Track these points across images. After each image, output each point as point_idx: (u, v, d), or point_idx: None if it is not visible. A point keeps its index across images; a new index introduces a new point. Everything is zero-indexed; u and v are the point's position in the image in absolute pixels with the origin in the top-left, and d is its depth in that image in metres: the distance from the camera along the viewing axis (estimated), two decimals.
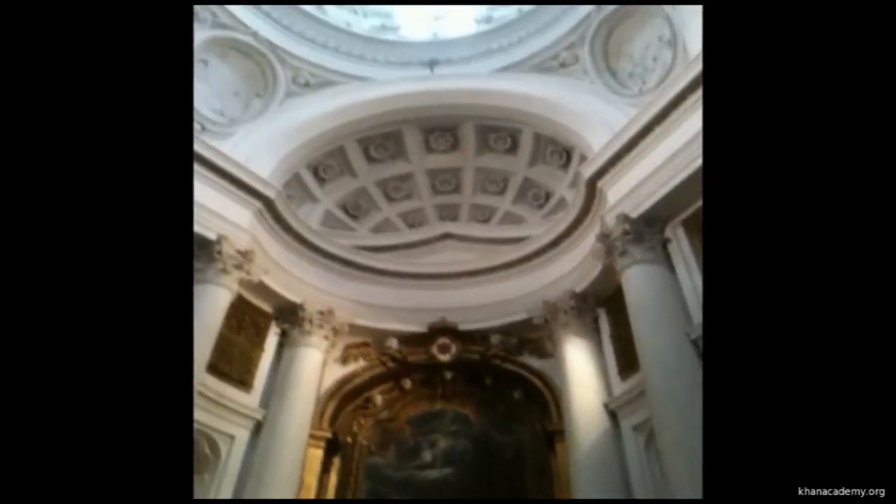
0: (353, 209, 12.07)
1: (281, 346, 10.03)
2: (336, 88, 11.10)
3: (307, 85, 11.08)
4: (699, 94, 7.84)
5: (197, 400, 8.05)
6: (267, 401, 9.33)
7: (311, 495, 8.78)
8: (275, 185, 9.99)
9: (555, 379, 9.39)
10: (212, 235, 8.82)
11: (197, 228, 8.68)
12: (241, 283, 9.17)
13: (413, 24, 12.20)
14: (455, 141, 11.56)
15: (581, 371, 8.86)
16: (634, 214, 8.21)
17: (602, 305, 9.39)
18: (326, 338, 10.29)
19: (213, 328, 8.56)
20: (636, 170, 8.66)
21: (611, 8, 9.98)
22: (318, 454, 9.19)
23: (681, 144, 7.91)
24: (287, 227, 10.38)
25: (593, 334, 9.35)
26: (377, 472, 9.38)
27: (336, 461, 9.36)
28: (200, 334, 8.24)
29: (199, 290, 8.57)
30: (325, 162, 11.35)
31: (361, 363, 10.41)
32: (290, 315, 10.13)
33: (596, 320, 9.45)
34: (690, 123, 7.85)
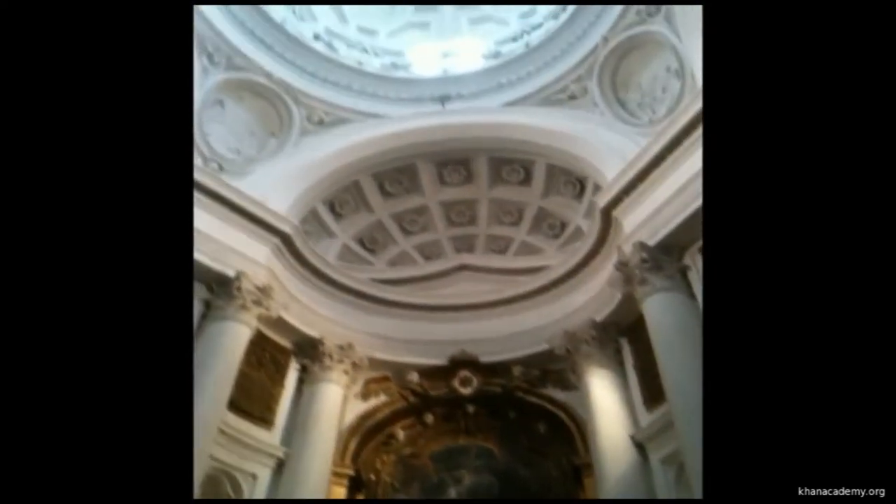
0: (370, 243, 12.16)
1: (301, 383, 10.01)
2: (350, 126, 11.32)
3: (321, 123, 11.30)
4: None
5: (218, 438, 8.15)
6: (289, 438, 9.30)
7: None
8: (292, 220, 10.12)
9: (579, 411, 9.31)
10: (231, 272, 8.93)
11: (216, 266, 8.86)
12: (261, 318, 9.24)
13: (423, 61, 12.48)
14: (468, 174, 11.71)
15: (606, 403, 8.78)
16: (651, 242, 8.24)
17: (624, 335, 9.35)
18: (346, 373, 10.28)
19: (233, 365, 8.59)
20: (651, 198, 8.72)
21: (618, 40, 10.20)
22: (341, 492, 9.11)
23: (694, 172, 7.97)
24: (305, 262, 10.46)
25: (616, 365, 9.28)
26: None
27: (360, 499, 9.25)
28: (221, 372, 8.32)
29: (218, 328, 8.68)
30: (340, 197, 11.49)
31: (382, 398, 10.37)
32: (309, 350, 10.14)
33: (619, 350, 9.40)
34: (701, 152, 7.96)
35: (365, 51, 12.44)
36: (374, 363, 10.57)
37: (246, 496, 8.45)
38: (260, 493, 8.56)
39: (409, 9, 13.06)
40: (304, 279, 10.49)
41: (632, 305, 8.63)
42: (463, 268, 12.57)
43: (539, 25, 11.74)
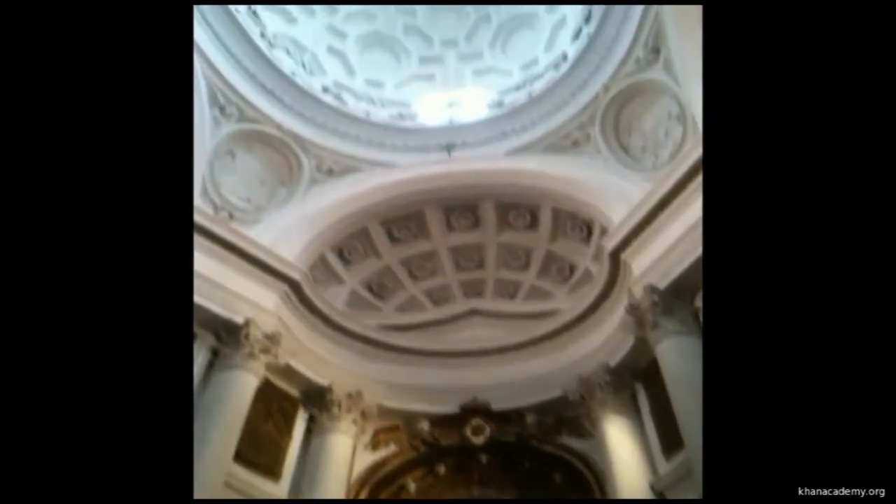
0: (379, 289, 12.15)
1: (309, 433, 9.83)
2: (358, 174, 11.52)
3: (330, 172, 11.50)
4: None
5: (225, 491, 7.97)
6: (297, 490, 9.10)
7: None
8: (301, 267, 10.17)
9: (596, 459, 9.06)
10: (239, 319, 8.93)
11: (224, 313, 8.87)
12: (269, 367, 9.19)
13: (429, 111, 12.82)
14: (476, 219, 11.83)
15: (623, 451, 8.56)
16: (662, 285, 8.22)
17: (639, 380, 9.20)
18: (355, 422, 10.10)
19: (240, 415, 8.48)
20: (659, 241, 8.76)
21: (618, 88, 10.47)
22: None
23: (700, 214, 8.03)
24: (313, 309, 10.43)
25: (633, 411, 9.09)
26: None
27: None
28: (228, 422, 8.23)
29: (226, 377, 8.62)
30: (349, 244, 11.56)
31: (392, 448, 10.12)
32: (318, 399, 9.98)
33: (634, 396, 9.23)
34: None
35: (372, 102, 12.79)
36: (384, 412, 10.37)
37: None
38: None
39: (414, 61, 13.52)
40: (313, 326, 10.43)
41: (645, 349, 8.54)
42: (473, 313, 12.50)
43: (541, 75, 12.10)
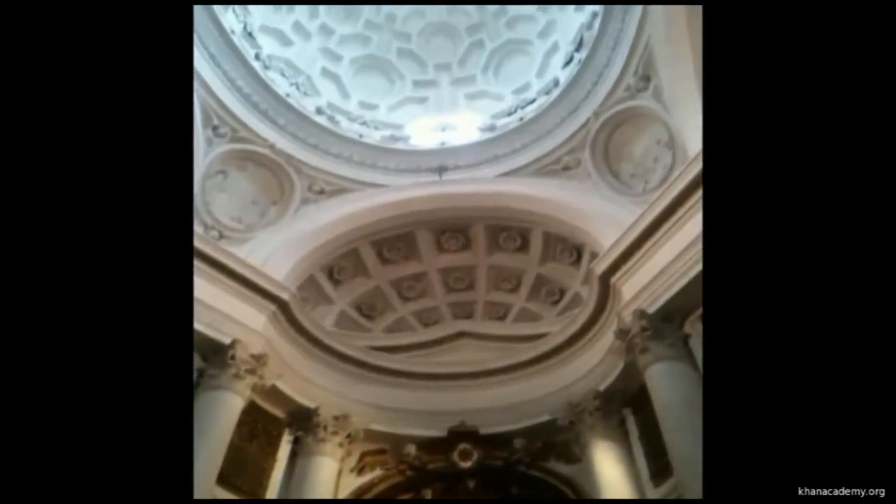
0: (368, 309, 12.11)
1: (294, 455, 9.67)
2: (350, 195, 11.55)
3: (322, 192, 11.53)
4: (702, 191, 8.17)
5: None
6: None
7: None
8: (289, 287, 10.10)
9: (585, 486, 8.95)
10: (226, 340, 8.82)
11: (211, 333, 8.75)
12: (254, 388, 9.04)
13: (421, 133, 12.93)
14: (466, 241, 11.86)
15: (612, 477, 8.46)
16: (651, 310, 8.21)
17: (628, 405, 9.15)
18: (341, 445, 9.96)
19: (224, 437, 8.31)
20: (648, 266, 8.78)
21: (608, 114, 10.62)
22: None
23: (690, 240, 8.08)
24: (301, 330, 10.34)
25: (621, 436, 9.02)
26: None
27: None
28: (212, 444, 8.04)
29: (211, 397, 8.46)
30: (339, 264, 11.54)
31: (378, 472, 9.97)
32: (304, 421, 9.85)
33: (623, 421, 9.17)
34: (698, 218, 8.11)
35: (365, 124, 12.90)
36: (371, 435, 10.23)
37: None
38: None
39: (408, 84, 13.70)
40: (301, 347, 10.34)
41: (635, 374, 8.50)
42: (462, 335, 12.46)
43: (532, 101, 12.27)
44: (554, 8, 12.62)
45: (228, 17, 11.11)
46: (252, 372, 8.89)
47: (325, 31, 13.17)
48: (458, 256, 12.02)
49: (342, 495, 9.61)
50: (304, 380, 10.11)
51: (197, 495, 7.46)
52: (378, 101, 13.40)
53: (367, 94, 13.39)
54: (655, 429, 7.67)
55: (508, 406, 10.29)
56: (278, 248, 10.58)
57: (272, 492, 9.05)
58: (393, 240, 11.63)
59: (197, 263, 9.03)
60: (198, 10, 10.02)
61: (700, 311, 7.97)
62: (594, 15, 11.00)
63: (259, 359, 9.02)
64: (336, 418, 10.00)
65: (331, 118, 12.40)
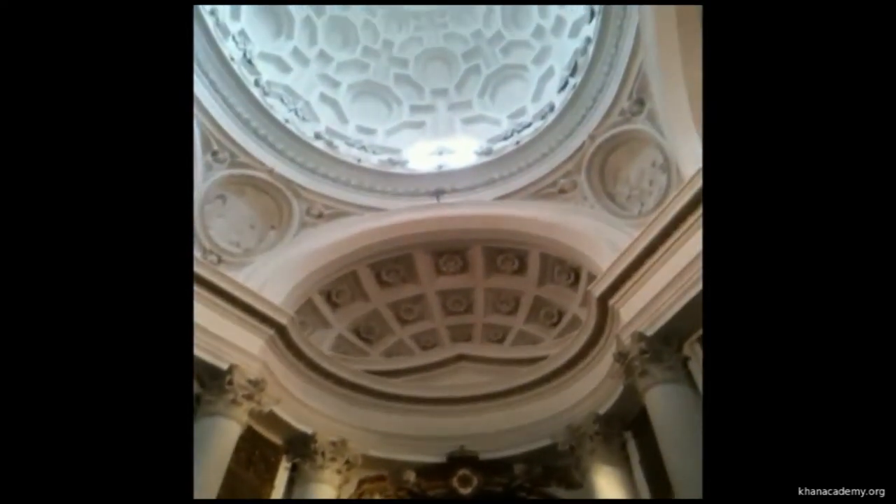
0: (366, 333, 12.07)
1: (292, 483, 9.56)
2: (348, 219, 11.60)
3: (320, 216, 11.58)
4: (698, 213, 8.24)
5: None
6: None
7: None
8: (287, 311, 10.07)
9: None
10: (223, 365, 8.75)
11: (208, 358, 8.69)
12: (252, 414, 8.97)
13: (419, 157, 13.06)
14: (464, 264, 11.89)
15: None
16: (650, 332, 8.20)
17: (628, 428, 9.07)
18: (339, 472, 9.86)
19: (221, 464, 8.22)
20: (646, 288, 8.79)
21: (603, 138, 10.74)
22: None
23: (687, 262, 8.11)
24: (299, 354, 10.29)
25: (622, 461, 8.93)
26: None
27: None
28: (208, 471, 7.96)
29: (207, 424, 8.37)
30: (337, 287, 11.54)
31: (377, 499, 9.81)
32: (301, 447, 9.76)
33: (624, 445, 9.08)
34: (695, 241, 8.16)
35: (364, 148, 13.02)
36: (369, 461, 10.13)
37: None
38: None
39: (405, 109, 13.87)
40: (299, 372, 10.28)
41: (635, 397, 8.45)
42: (461, 358, 12.41)
43: (528, 125, 12.42)
44: (549, 34, 12.85)
45: (228, 44, 11.29)
46: (249, 398, 8.81)
47: (324, 57, 13.37)
48: (455, 279, 12.04)
49: None
50: (302, 405, 10.03)
51: None
52: (376, 125, 13.56)
53: (364, 119, 13.55)
54: (656, 452, 7.60)
55: (508, 430, 10.21)
56: (276, 273, 10.57)
57: None
58: (391, 263, 11.65)
59: (195, 288, 9.01)
60: (198, 36, 10.17)
61: (699, 333, 7.98)
62: (588, 41, 11.21)
63: (256, 384, 8.95)
64: (334, 444, 9.91)
65: (329, 143, 12.51)
